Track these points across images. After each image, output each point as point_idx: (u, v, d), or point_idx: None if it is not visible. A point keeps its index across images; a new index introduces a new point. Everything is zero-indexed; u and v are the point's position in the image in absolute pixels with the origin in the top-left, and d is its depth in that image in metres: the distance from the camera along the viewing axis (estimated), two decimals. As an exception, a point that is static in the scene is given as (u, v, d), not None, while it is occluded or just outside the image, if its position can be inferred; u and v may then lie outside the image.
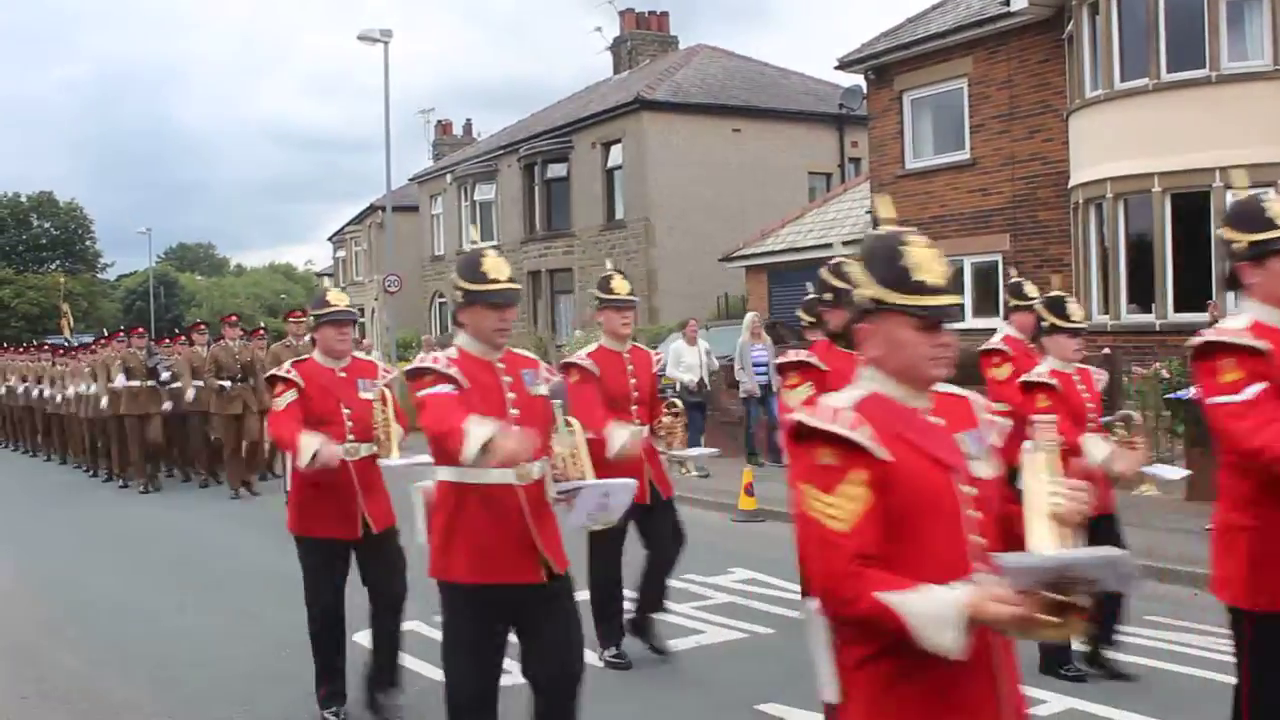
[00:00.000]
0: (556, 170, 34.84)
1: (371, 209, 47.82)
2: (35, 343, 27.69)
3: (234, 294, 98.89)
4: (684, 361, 16.42)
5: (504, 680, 6.61)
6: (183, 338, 18.36)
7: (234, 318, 17.31)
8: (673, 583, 9.00)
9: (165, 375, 16.28)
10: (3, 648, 8.04)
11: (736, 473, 13.24)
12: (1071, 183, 18.24)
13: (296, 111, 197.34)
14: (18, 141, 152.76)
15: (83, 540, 12.76)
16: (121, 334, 18.29)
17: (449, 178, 40.69)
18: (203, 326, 17.96)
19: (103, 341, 19.20)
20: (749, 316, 17.26)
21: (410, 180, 45.53)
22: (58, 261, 76.01)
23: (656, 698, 6.34)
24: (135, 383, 16.31)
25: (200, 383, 16.03)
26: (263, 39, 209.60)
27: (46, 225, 76.85)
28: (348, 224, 53.57)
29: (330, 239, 58.38)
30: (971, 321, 20.53)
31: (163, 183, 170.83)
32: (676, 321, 27.83)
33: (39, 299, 65.98)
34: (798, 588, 8.78)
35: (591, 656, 7.02)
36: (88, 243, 78.45)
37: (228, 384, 15.54)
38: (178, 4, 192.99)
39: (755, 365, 16.02)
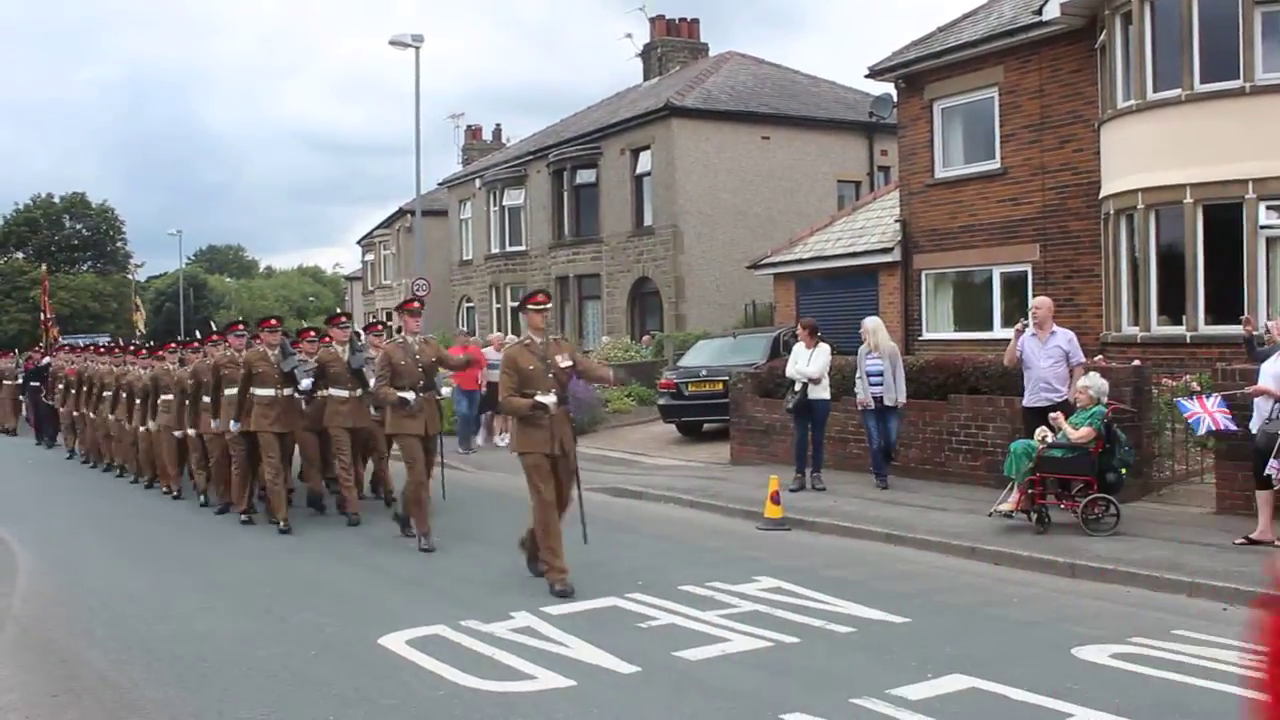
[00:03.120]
0: (585, 176, 34.92)
1: (400, 213, 48.07)
2: (122, 342, 23.77)
3: (262, 296, 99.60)
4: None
5: (531, 686, 6.66)
6: (311, 333, 14.78)
7: (412, 301, 13.12)
8: (697, 590, 9.03)
9: (306, 383, 13.19)
10: (33, 647, 8.10)
11: (763, 480, 13.21)
12: (1102, 193, 18.14)
13: (325, 115, 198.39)
14: (50, 142, 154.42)
15: (112, 541, 12.85)
16: (241, 327, 14.48)
17: (478, 183, 40.85)
18: (343, 319, 14.65)
19: (213, 338, 15.57)
20: (869, 321, 15.13)
21: (439, 185, 45.75)
22: (89, 262, 76.65)
23: (681, 705, 6.33)
24: (268, 392, 13.02)
25: (343, 392, 13.33)
26: (291, 41, 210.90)
27: (78, 226, 77.53)
28: (377, 228, 53.83)
29: (359, 242, 58.70)
30: (999, 332, 20.46)
31: (192, 185, 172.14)
32: (703, 329, 27.89)
33: (70, 300, 66.46)
34: (823, 596, 8.78)
35: (606, 665, 7.04)
36: (119, 244, 79.05)
37: (410, 395, 11.51)
38: (206, 6, 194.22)
39: (870, 375, 14.26)
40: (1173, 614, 8.27)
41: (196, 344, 15.96)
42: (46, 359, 27.10)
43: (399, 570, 10.43)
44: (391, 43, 29.78)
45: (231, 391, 13.33)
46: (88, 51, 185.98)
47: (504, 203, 38.92)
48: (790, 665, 7.00)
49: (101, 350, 22.21)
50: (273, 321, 13.84)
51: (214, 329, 16.04)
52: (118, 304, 71.84)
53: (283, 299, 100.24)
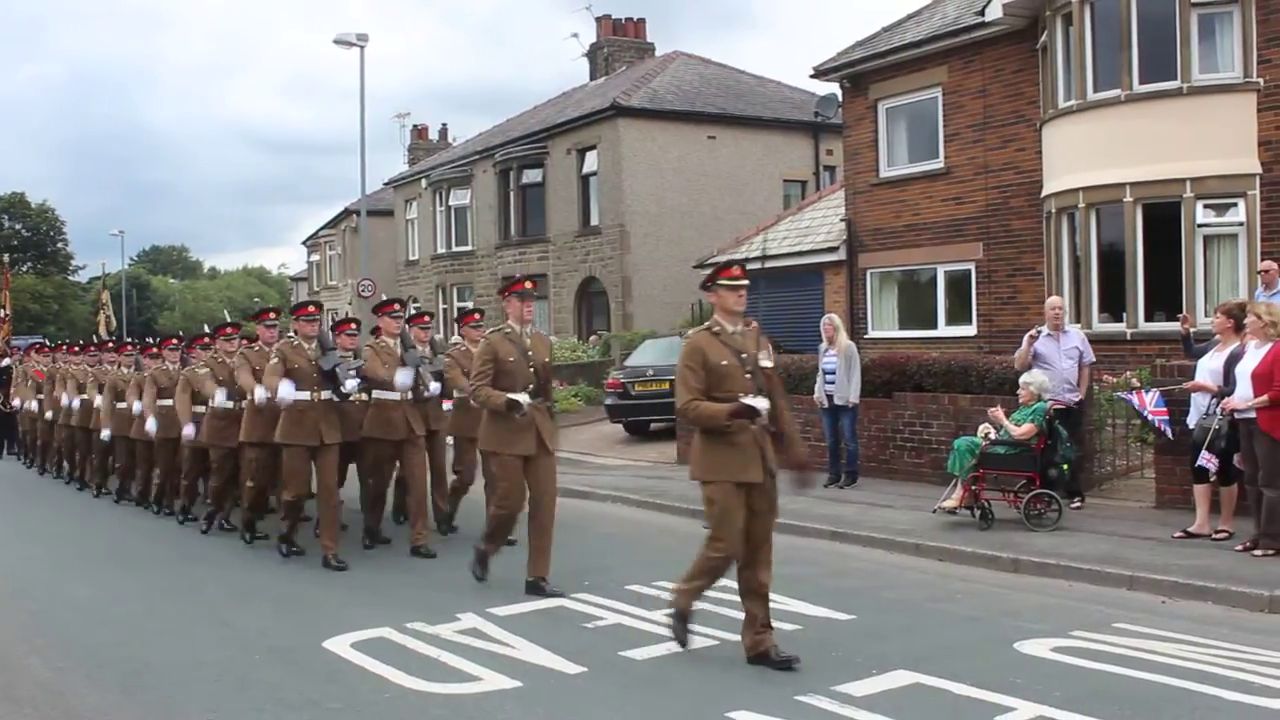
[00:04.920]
0: (532, 176, 34.86)
1: (346, 213, 47.77)
2: (98, 339, 20.75)
3: (207, 297, 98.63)
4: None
5: (477, 687, 6.64)
6: (352, 324, 12.37)
7: (522, 281, 9.58)
8: (644, 589, 9.03)
9: (352, 384, 10.59)
10: (-30, 653, 7.98)
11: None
12: (1044, 192, 18.33)
13: (270, 113, 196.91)
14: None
15: (53, 547, 12.65)
16: (270, 315, 11.95)
17: (424, 182, 40.67)
18: (395, 306, 11.89)
19: (225, 331, 13.00)
20: (828, 318, 14.85)
21: (385, 184, 45.50)
22: (29, 264, 75.59)
23: (627, 705, 6.34)
24: (303, 395, 10.46)
25: (393, 396, 10.95)
26: (235, 39, 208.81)
27: (18, 227, 76.42)
28: (322, 228, 53.46)
29: (304, 243, 58.30)
30: (944, 329, 20.65)
31: (135, 184, 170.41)
32: (650, 328, 27.92)
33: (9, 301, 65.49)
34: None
35: (553, 665, 7.03)
36: (60, 245, 78.06)
37: (523, 398, 8.88)
38: (148, 3, 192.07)
39: (826, 373, 14.29)
40: (1113, 607, 8.38)
41: (207, 339, 13.52)
42: (5, 360, 24.35)
43: (344, 573, 10.35)
44: (336, 42, 29.65)
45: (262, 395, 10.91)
46: (28, 48, 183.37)
47: (450, 202, 38.78)
48: (736, 663, 7.01)
49: (75, 349, 19.58)
50: (310, 309, 11.22)
51: (228, 320, 13.32)
52: (59, 305, 70.93)
53: (227, 300, 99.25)
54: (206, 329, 13.99)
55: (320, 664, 7.26)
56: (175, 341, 14.63)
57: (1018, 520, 11.05)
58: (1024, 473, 11.19)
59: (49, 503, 16.38)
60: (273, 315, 11.94)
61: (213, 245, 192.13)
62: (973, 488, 11.18)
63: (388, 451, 11.32)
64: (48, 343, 24.48)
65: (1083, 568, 9.39)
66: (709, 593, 8.97)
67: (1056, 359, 12.08)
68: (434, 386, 11.29)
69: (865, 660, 6.93)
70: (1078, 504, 11.92)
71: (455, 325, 12.07)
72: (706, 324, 7.23)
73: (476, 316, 12.46)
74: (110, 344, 17.85)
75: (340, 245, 50.04)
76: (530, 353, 9.11)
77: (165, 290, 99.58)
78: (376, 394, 11.05)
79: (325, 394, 10.58)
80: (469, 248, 38.11)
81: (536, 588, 9.00)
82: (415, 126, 50.75)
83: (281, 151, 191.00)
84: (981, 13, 19.18)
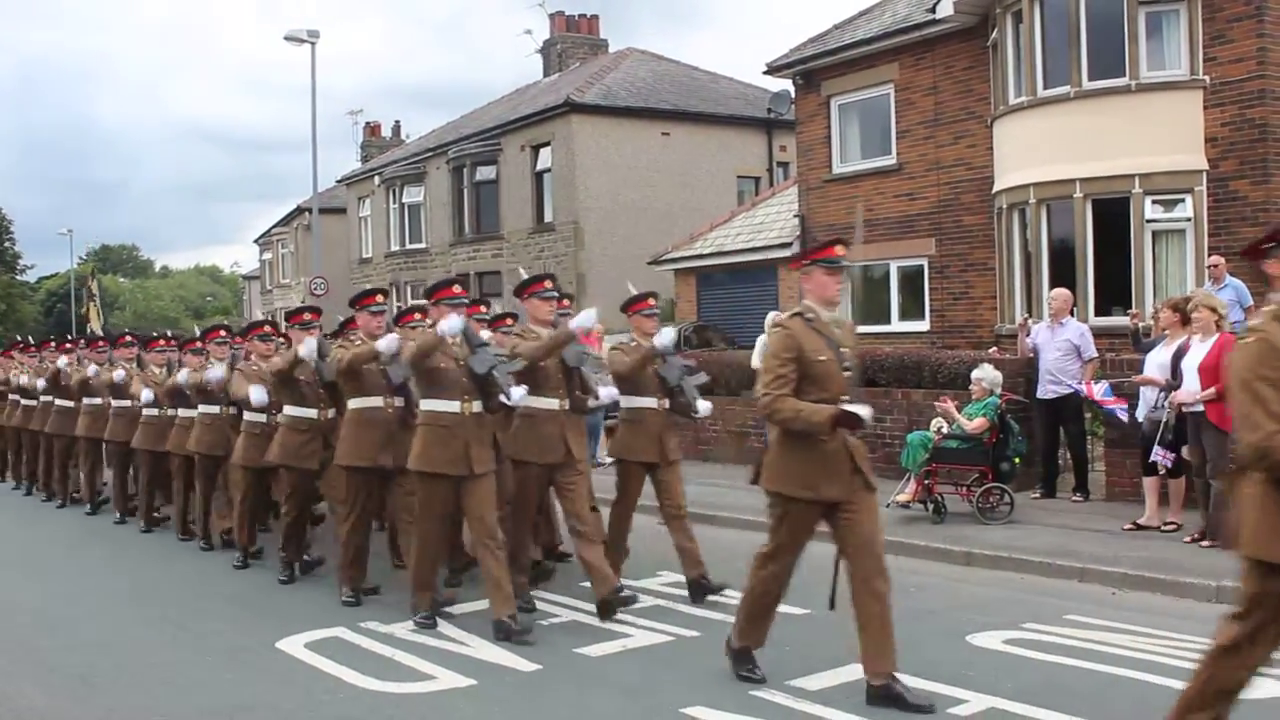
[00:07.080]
0: (485, 173, 34.74)
1: (298, 211, 47.40)
2: (91, 334, 16.19)
3: (158, 297, 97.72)
4: None
5: (432, 686, 6.61)
6: (481, 308, 10.15)
7: (830, 246, 6.46)
8: (600, 586, 8.98)
9: (519, 394, 7.78)
10: (-85, 658, 7.86)
11: (665, 476, 13.22)
12: (995, 188, 18.47)
13: (222, 110, 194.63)
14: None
15: (2, 553, 12.50)
16: (378, 299, 8.93)
17: (377, 180, 40.46)
18: (546, 284, 8.70)
19: (303, 317, 10.31)
20: (770, 316, 14.98)
21: (338, 182, 45.21)
22: (-25, 264, 74.51)
23: (582, 702, 6.33)
24: (448, 406, 7.76)
25: (550, 403, 8.29)
26: (185, 33, 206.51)
27: (-38, 226, 75.25)
28: (274, 226, 53.03)
29: (257, 241, 57.80)
30: (897, 325, 20.76)
31: (84, 182, 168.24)
32: (605, 325, 27.90)
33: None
34: (724, 590, 8.81)
35: (507, 663, 7.01)
36: (6, 244, 76.95)
37: (864, 411, 6.12)
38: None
39: None
40: (1064, 599, 8.46)
41: (269, 326, 11.29)
42: None
43: (299, 575, 10.25)
44: (287, 39, 29.39)
45: (369, 403, 8.67)
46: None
47: (403, 200, 38.59)
48: (691, 659, 7.03)
49: (66, 346, 16.15)
50: (455, 290, 8.19)
51: (304, 305, 9.90)
52: (6, 305, 69.96)
53: (179, 299, 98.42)
54: (260, 315, 12.04)
55: (273, 665, 7.21)
56: (223, 333, 11.69)
57: (970, 514, 11.13)
58: (976, 466, 11.27)
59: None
60: (380, 299, 8.97)
61: (163, 244, 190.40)
62: (926, 482, 11.25)
63: (540, 478, 8.45)
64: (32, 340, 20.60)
65: (1034, 560, 9.48)
66: (663, 588, 9.00)
67: (1047, 350, 12.22)
68: (605, 393, 8.93)
69: (819, 655, 6.96)
70: (1078, 498, 12.07)
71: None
72: (1272, 311, 4.54)
73: (650, 303, 9.32)
74: (128, 339, 14.69)
75: (293, 243, 49.65)
76: (842, 350, 6.32)
77: (116, 290, 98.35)
78: (530, 403, 8.09)
79: (477, 406, 7.83)
80: (423, 245, 37.94)
81: (886, 694, 6.03)
82: (368, 124, 50.48)
83: (233, 148, 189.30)
84: (932, 10, 19.28)
